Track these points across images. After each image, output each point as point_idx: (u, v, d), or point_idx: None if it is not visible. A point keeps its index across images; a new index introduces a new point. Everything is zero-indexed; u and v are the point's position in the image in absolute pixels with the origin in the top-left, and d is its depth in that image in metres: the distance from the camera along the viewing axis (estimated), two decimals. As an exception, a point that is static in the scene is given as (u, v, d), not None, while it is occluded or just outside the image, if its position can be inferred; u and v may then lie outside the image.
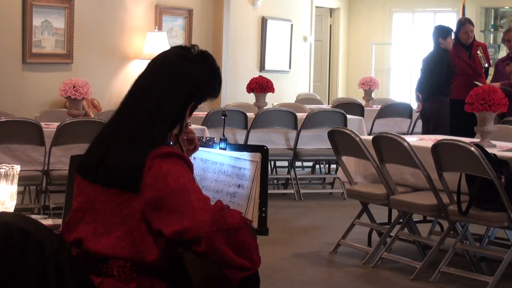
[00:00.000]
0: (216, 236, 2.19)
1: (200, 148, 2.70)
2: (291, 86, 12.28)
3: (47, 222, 2.95)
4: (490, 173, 4.59)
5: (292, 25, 12.41)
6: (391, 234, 5.55)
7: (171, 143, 2.41)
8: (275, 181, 8.78)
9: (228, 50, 11.16)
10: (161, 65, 2.39)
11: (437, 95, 8.16)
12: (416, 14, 13.69)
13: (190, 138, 2.55)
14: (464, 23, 8.42)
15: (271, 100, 9.87)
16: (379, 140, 5.41)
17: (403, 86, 13.58)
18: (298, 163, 8.75)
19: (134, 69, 9.44)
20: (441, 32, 8.25)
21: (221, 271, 2.22)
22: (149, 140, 2.29)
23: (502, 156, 4.84)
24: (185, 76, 2.37)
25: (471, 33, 8.31)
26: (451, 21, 11.69)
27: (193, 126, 7.02)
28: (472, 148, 4.68)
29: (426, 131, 8.21)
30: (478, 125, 5.41)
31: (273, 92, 8.49)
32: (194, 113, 2.43)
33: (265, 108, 8.32)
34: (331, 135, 5.80)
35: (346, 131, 5.68)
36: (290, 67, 12.44)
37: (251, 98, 8.87)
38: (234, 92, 11.13)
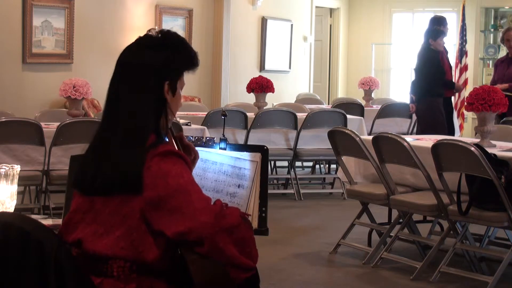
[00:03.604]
0: (218, 236, 2.20)
1: (200, 148, 2.69)
2: (291, 86, 12.28)
3: (47, 222, 2.94)
4: (490, 173, 4.59)
5: (292, 25, 12.41)
6: (391, 234, 5.55)
7: (166, 139, 2.40)
8: (275, 181, 8.78)
9: (228, 50, 11.16)
10: (122, 64, 2.37)
11: (427, 96, 8.23)
12: (416, 14, 13.70)
13: (186, 145, 2.52)
14: (441, 17, 8.77)
15: (271, 100, 9.87)
16: (379, 140, 5.41)
17: (403, 86, 13.57)
18: (298, 163, 8.75)
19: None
20: (431, 33, 8.33)
21: (224, 272, 2.22)
22: (140, 141, 2.27)
23: (502, 156, 4.84)
24: (143, 63, 2.33)
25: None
26: (451, 21, 11.68)
27: (193, 126, 7.03)
28: (472, 148, 4.68)
29: (420, 131, 8.26)
30: (478, 125, 5.41)
31: (273, 92, 8.49)
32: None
33: (265, 108, 8.32)
34: (331, 135, 5.80)
35: (346, 131, 5.68)
36: (290, 67, 12.44)
37: (251, 98, 8.87)
38: (234, 92, 11.14)
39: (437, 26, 8.52)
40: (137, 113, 2.30)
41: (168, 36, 2.39)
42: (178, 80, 2.39)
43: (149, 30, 2.42)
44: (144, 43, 2.38)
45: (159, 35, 2.39)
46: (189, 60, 2.40)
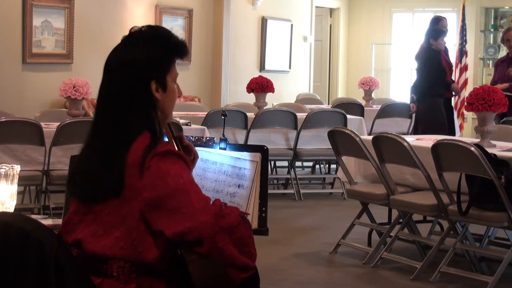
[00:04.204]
0: (218, 236, 2.19)
1: (200, 148, 2.69)
2: (291, 86, 12.28)
3: (47, 222, 2.94)
4: (490, 173, 4.59)
5: (292, 25, 12.41)
6: (391, 234, 5.55)
7: (166, 138, 2.40)
8: (275, 181, 8.78)
9: (228, 50, 11.16)
10: (106, 67, 2.33)
11: (428, 96, 8.24)
12: (416, 14, 13.70)
13: (186, 145, 2.51)
14: (442, 18, 8.69)
15: (271, 100, 9.87)
16: (379, 140, 5.41)
17: (403, 86, 13.58)
18: (298, 163, 8.75)
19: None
20: (432, 33, 8.35)
21: (224, 272, 2.22)
22: (125, 145, 2.24)
23: (502, 156, 4.84)
24: (125, 64, 2.29)
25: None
26: (451, 21, 11.69)
27: (193, 126, 7.02)
28: (472, 148, 4.68)
29: (421, 131, 8.24)
30: (478, 125, 5.41)
31: (273, 92, 8.49)
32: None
33: (265, 108, 8.32)
34: (331, 135, 5.80)
35: (346, 131, 5.68)
36: (290, 67, 12.44)
37: (251, 98, 8.87)
38: (234, 92, 11.13)
39: (438, 26, 8.53)
40: (125, 116, 2.27)
41: (148, 32, 2.34)
42: (167, 74, 2.33)
43: (132, 28, 2.36)
44: (125, 43, 2.34)
45: (138, 33, 2.34)
46: (172, 50, 2.33)
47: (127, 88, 2.29)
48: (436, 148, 4.95)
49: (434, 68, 8.21)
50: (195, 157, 2.52)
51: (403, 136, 5.45)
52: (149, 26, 2.37)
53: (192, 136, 2.76)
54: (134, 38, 2.34)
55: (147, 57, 2.29)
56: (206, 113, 7.78)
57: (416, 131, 8.49)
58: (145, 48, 2.30)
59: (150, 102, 2.30)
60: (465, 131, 11.48)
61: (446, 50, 8.65)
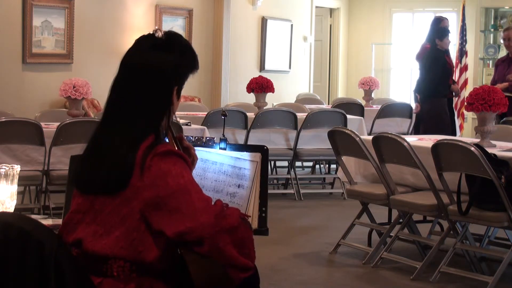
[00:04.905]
0: (218, 236, 2.20)
1: (200, 148, 2.69)
2: (291, 86, 12.28)
3: (47, 222, 2.94)
4: (490, 173, 4.59)
5: (292, 25, 12.41)
6: (391, 234, 5.55)
7: (166, 139, 2.40)
8: (275, 181, 8.78)
9: (228, 50, 11.16)
10: (129, 65, 2.35)
11: (432, 97, 8.23)
12: (416, 14, 13.70)
13: (186, 146, 2.51)
14: (443, 18, 8.67)
15: (271, 100, 9.87)
16: (379, 140, 5.41)
17: (403, 86, 13.59)
18: (298, 163, 8.75)
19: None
20: (437, 33, 8.33)
21: (224, 271, 2.22)
22: (138, 142, 2.26)
23: (502, 156, 4.84)
24: (155, 68, 2.32)
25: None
26: (451, 21, 11.68)
27: (193, 126, 7.02)
28: (472, 148, 4.68)
29: (423, 131, 8.24)
30: (478, 125, 5.41)
31: (273, 92, 8.49)
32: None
33: (265, 108, 8.32)
34: (331, 135, 5.80)
35: (346, 131, 5.68)
36: (290, 67, 12.44)
37: (251, 98, 8.87)
38: (234, 92, 11.14)
39: (441, 25, 8.49)
40: (141, 116, 2.29)
41: (175, 40, 2.38)
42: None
43: (155, 31, 2.38)
44: (151, 45, 2.35)
45: (166, 38, 2.36)
46: (195, 64, 2.41)
47: (151, 90, 2.31)
48: (436, 148, 4.95)
49: (439, 68, 8.19)
50: (194, 159, 2.53)
51: (403, 136, 5.45)
52: (175, 33, 2.41)
53: (192, 136, 2.77)
54: (164, 42, 2.36)
55: (176, 65, 2.34)
56: (206, 113, 7.78)
57: (417, 131, 8.48)
58: (178, 54, 2.35)
59: (167, 106, 2.34)
60: (465, 131, 11.47)
61: (447, 52, 8.64)
